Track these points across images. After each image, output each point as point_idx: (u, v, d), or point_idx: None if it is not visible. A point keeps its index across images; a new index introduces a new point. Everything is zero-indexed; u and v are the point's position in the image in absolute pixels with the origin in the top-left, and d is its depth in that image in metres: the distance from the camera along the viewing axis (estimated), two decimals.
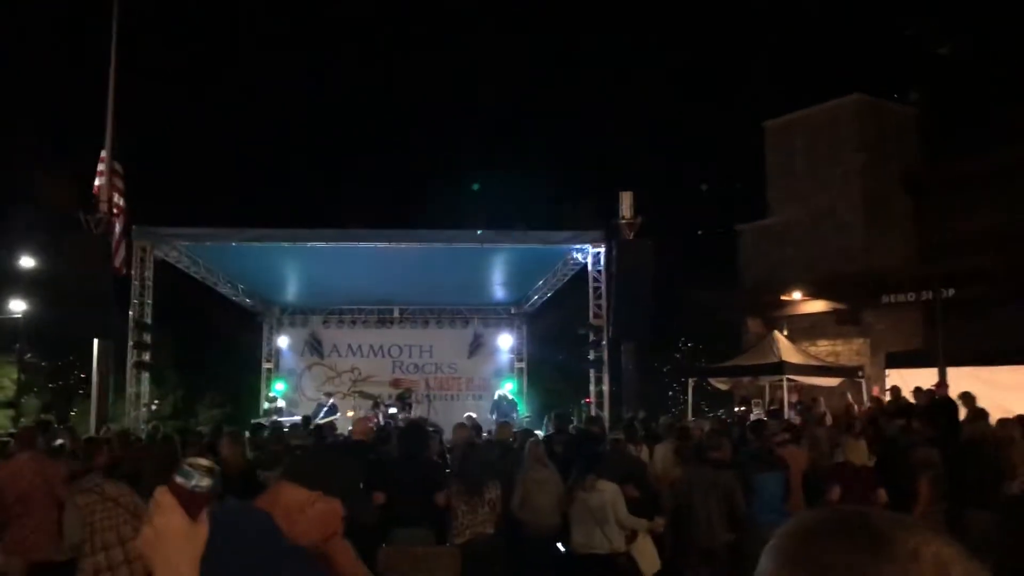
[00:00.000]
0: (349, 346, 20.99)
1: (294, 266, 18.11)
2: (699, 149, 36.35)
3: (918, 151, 20.68)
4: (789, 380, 17.26)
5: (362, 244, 15.68)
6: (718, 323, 24.70)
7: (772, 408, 16.82)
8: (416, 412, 17.96)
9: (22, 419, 21.47)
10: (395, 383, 19.92)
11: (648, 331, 15.11)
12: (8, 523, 6.82)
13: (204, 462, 1.52)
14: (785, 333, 19.14)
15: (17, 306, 21.88)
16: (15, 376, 21.94)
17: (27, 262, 22.25)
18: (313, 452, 2.45)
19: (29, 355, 23.13)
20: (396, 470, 7.03)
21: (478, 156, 44.10)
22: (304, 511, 1.97)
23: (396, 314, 21.35)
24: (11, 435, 11.52)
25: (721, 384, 20.25)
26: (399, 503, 6.86)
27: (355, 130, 46.61)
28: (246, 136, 42.13)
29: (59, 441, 10.65)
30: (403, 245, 15.85)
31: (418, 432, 7.61)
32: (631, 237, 14.77)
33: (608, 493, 6.60)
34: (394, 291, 19.88)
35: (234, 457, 7.45)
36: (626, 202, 15.11)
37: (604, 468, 6.97)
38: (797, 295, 20.32)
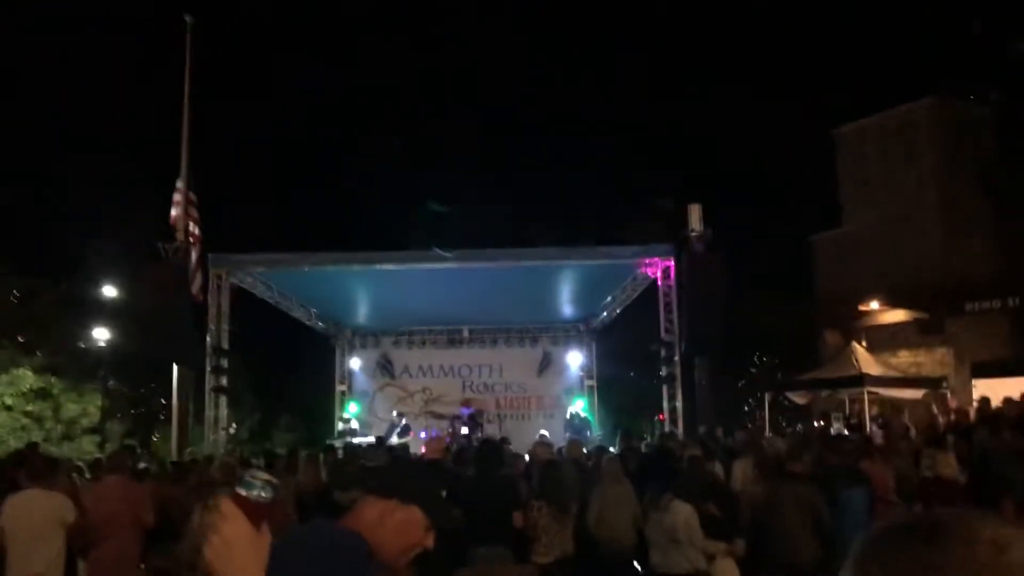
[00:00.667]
0: (420, 367, 21.12)
1: (364, 289, 18.33)
2: (769, 158, 35.66)
3: (996, 152, 20.00)
4: (870, 393, 16.79)
5: (430, 265, 15.79)
6: (793, 336, 24.16)
7: (852, 422, 16.37)
8: (488, 431, 17.97)
9: (107, 444, 22.16)
10: (466, 403, 19.93)
11: (721, 345, 14.86)
12: (92, 545, 6.99)
13: (264, 475, 1.54)
14: (864, 344, 18.64)
15: (101, 335, 22.63)
16: (99, 403, 22.65)
17: (109, 292, 23.00)
18: (388, 465, 2.48)
19: (112, 382, 23.87)
20: (473, 488, 7.00)
21: (541, 172, 43.98)
22: (384, 522, 1.96)
23: (465, 334, 21.39)
24: (97, 459, 11.90)
25: (799, 398, 19.80)
26: (476, 522, 6.83)
27: (418, 151, 47.18)
28: (315, 160, 42.98)
29: (142, 465, 10.98)
30: (471, 265, 15.90)
31: (495, 450, 7.58)
32: (701, 250, 14.56)
33: (682, 515, 6.46)
34: (463, 311, 19.96)
35: (311, 478, 7.52)
36: (695, 214, 14.93)
37: (681, 486, 6.81)
38: (875, 305, 19.79)
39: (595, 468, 9.37)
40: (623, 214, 31.52)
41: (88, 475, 9.77)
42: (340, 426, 19.24)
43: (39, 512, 6.38)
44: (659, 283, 15.85)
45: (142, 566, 7.10)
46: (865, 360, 17.44)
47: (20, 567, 6.21)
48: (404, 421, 18.18)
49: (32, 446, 11.15)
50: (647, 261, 15.83)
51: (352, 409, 20.16)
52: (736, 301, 15.44)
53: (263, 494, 1.49)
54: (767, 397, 21.05)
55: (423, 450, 10.30)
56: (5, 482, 7.60)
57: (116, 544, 6.95)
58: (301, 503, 7.71)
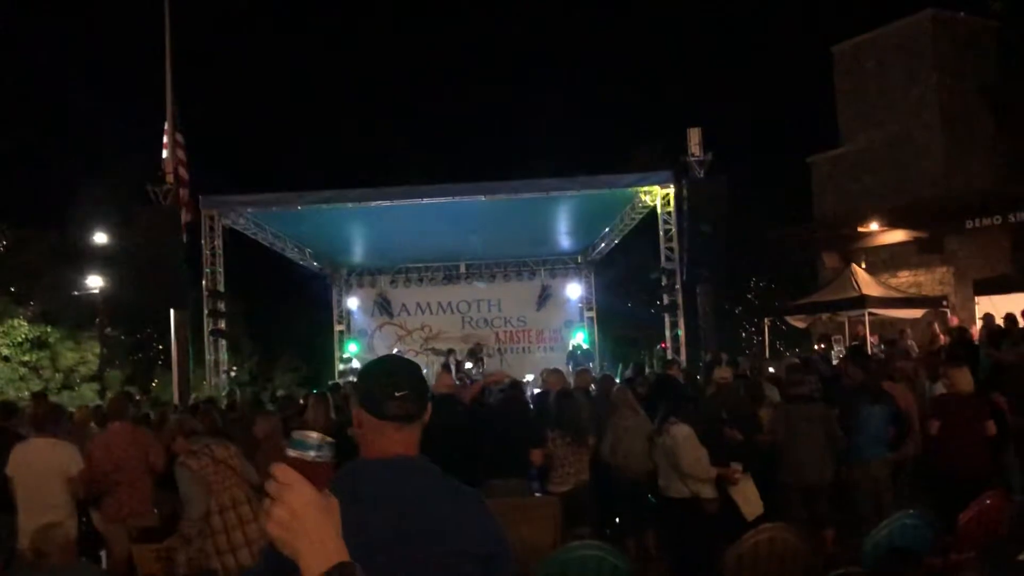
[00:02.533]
0: (418, 304, 21.02)
1: (359, 227, 18.07)
2: (765, 79, 35.00)
3: (999, 66, 19.58)
4: (870, 314, 16.77)
5: (426, 200, 15.52)
6: (792, 260, 24.04)
7: (854, 344, 16.36)
8: (488, 366, 17.95)
9: (107, 392, 22.15)
10: (465, 339, 19.90)
11: (724, 272, 14.72)
12: (106, 492, 6.91)
13: (315, 433, 1.37)
14: (863, 266, 18.56)
15: (94, 282, 22.42)
16: (97, 350, 22.56)
17: (101, 238, 22.72)
18: None
19: (109, 329, 23.76)
20: (493, 423, 6.94)
21: (536, 101, 43.27)
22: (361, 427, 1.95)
23: (463, 270, 21.24)
24: (98, 407, 11.80)
25: (798, 322, 19.81)
26: (494, 455, 6.77)
27: (408, 82, 46.29)
28: (302, 97, 42.26)
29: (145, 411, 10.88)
30: (466, 199, 15.62)
31: (518, 387, 7.51)
32: (702, 175, 14.31)
33: (675, 438, 6.36)
34: (459, 247, 19.75)
35: (321, 417, 7.42)
36: (694, 139, 14.63)
37: (684, 409, 6.68)
38: (875, 226, 19.60)
39: (602, 397, 9.32)
40: (620, 142, 31.02)
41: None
42: (341, 366, 19.18)
43: (44, 462, 6.29)
44: (659, 210, 15.62)
45: (155, 511, 7.04)
46: (865, 281, 17.37)
47: (29, 516, 6.13)
48: None
49: (38, 395, 11.03)
50: (646, 189, 15.57)
51: (352, 349, 20.11)
52: (734, 226, 15.21)
53: (322, 453, 1.33)
54: (766, 322, 21.06)
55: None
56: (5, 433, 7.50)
57: (127, 490, 6.87)
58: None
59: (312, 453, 1.31)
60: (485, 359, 18.18)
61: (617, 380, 11.07)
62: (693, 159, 14.43)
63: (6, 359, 20.53)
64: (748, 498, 6.07)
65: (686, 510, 6.05)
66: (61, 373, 21.52)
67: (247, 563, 5.22)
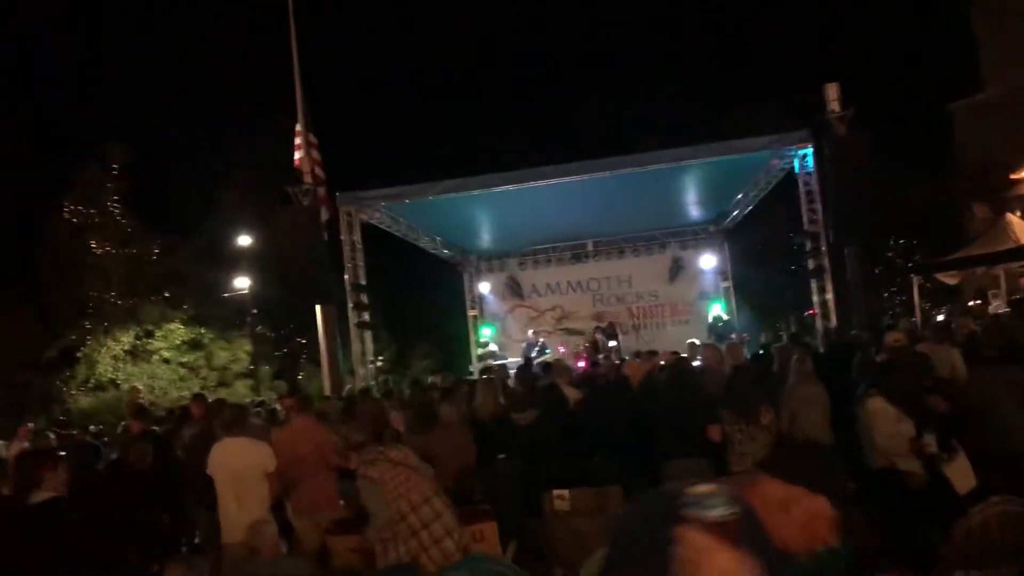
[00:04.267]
0: (547, 285, 21.01)
1: (487, 212, 18.17)
2: (897, 24, 32.85)
3: None
4: None
5: (551, 181, 15.42)
6: (934, 214, 22.78)
7: (1016, 297, 15.38)
8: (624, 343, 17.79)
9: (260, 387, 23.18)
10: (598, 317, 19.76)
11: (872, 232, 14.02)
12: (292, 487, 7.16)
13: (708, 488, 1.25)
14: (1019, 215, 17.46)
15: (242, 283, 23.44)
16: (248, 348, 23.61)
17: (245, 240, 23.70)
18: (793, 446, 2.12)
19: (259, 327, 24.81)
20: (668, 403, 6.82)
21: (657, 68, 42.00)
22: (788, 510, 1.66)
23: (590, 247, 21.07)
24: (260, 404, 12.31)
25: (949, 279, 18.80)
26: (669, 434, 6.66)
27: (522, 62, 46.06)
28: (422, 86, 42.71)
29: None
30: (592, 176, 15.41)
31: (683, 363, 7.36)
32: (843, 131, 13.65)
33: (868, 410, 6.07)
34: (585, 224, 19.58)
35: (490, 402, 7.48)
36: (832, 94, 13.93)
37: (884, 379, 6.38)
38: None
39: (763, 370, 9.05)
40: (752, 103, 29.85)
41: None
42: (480, 350, 19.38)
43: (243, 461, 6.55)
44: (797, 172, 15.02)
45: (342, 502, 7.25)
46: (1023, 231, 16.35)
47: (232, 513, 6.41)
48: (541, 340, 18.21)
49: (199, 396, 11.57)
50: (783, 150, 14.98)
51: (486, 333, 20.32)
52: (878, 182, 14.44)
53: (729, 511, 1.23)
54: (915, 280, 20.04)
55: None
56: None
57: (312, 484, 7.10)
58: (479, 426, 7.71)
59: (719, 512, 1.22)
60: (620, 336, 18.01)
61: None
62: (833, 116, 13.78)
63: (167, 361, 21.71)
64: (960, 471, 5.73)
65: (887, 482, 5.78)
66: (216, 372, 22.61)
67: (452, 552, 5.27)
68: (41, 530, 4.14)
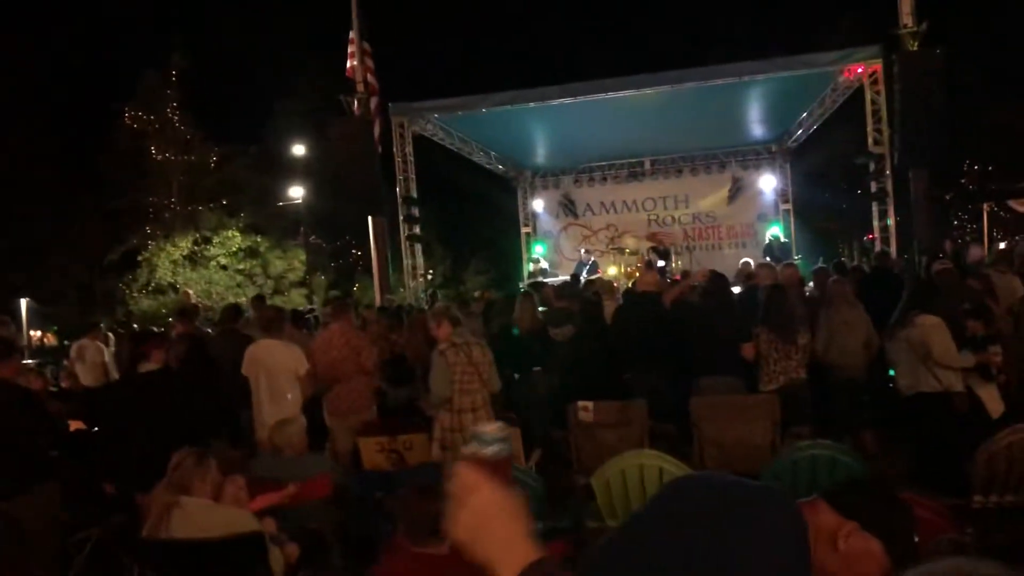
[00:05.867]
0: (602, 203, 20.71)
1: (542, 127, 17.84)
2: None
3: None
4: None
5: (610, 95, 15.03)
6: (1010, 138, 21.66)
7: None
8: (678, 264, 17.54)
9: (314, 296, 23.61)
10: (652, 237, 19.46)
11: (941, 156, 13.39)
12: (326, 389, 7.30)
13: (493, 426, 1.26)
14: None
15: (296, 192, 23.65)
16: (303, 258, 23.99)
17: (299, 150, 23.81)
18: (860, 480, 1.97)
19: (313, 237, 25.14)
20: (702, 319, 6.70)
21: None
22: (834, 542, 1.56)
23: (647, 166, 20.63)
24: (311, 311, 12.50)
25: (1022, 206, 18.03)
26: (702, 351, 6.56)
27: None
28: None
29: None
30: (652, 91, 14.95)
31: (723, 282, 7.20)
32: (915, 48, 12.95)
33: (924, 327, 5.85)
34: (644, 142, 19.11)
35: (529, 316, 7.46)
36: (905, 7, 13.20)
37: (932, 302, 6.15)
38: None
39: (816, 292, 8.85)
40: (821, 16, 28.34)
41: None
42: (531, 267, 19.36)
43: (276, 362, 6.68)
44: (866, 89, 14.35)
45: (375, 408, 7.38)
46: None
47: (265, 412, 6.56)
48: (592, 259, 18.07)
49: (258, 298, 11.82)
50: (852, 66, 14.29)
51: (538, 250, 20.23)
52: (951, 103, 13.72)
53: (502, 449, 1.24)
54: (985, 208, 19.24)
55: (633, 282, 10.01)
56: (231, 333, 8.05)
57: (347, 387, 7.23)
58: (519, 339, 7.73)
59: (491, 449, 1.24)
60: (672, 256, 17.74)
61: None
62: (906, 30, 13.06)
63: (224, 268, 22.20)
64: (994, 395, 5.56)
65: (934, 405, 5.62)
66: (272, 280, 23.07)
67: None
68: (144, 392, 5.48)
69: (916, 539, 1.62)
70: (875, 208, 14.57)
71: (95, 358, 9.97)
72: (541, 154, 20.62)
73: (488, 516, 1.17)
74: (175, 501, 3.30)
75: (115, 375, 9.76)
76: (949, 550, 2.51)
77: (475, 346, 5.87)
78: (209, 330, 9.96)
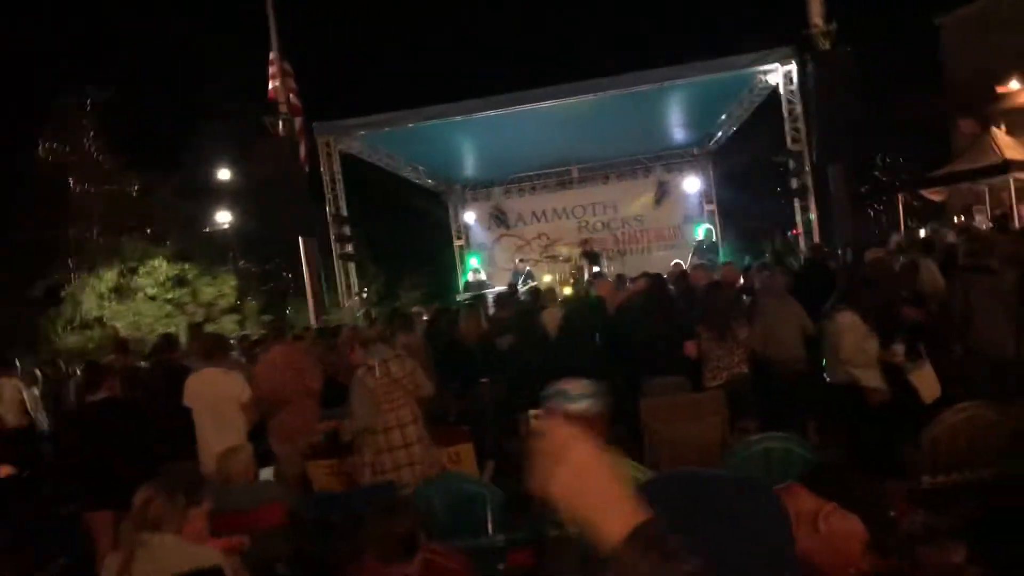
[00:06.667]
0: (533, 213, 20.88)
1: (469, 139, 17.91)
2: None
3: None
4: (1015, 180, 15.74)
5: (532, 105, 15.19)
6: (921, 130, 22.59)
7: (998, 213, 15.38)
8: (609, 268, 17.76)
9: (246, 322, 23.16)
10: (583, 243, 19.68)
11: (856, 150, 13.89)
12: (272, 414, 7.20)
13: (579, 384, 1.21)
14: (1004, 129, 17.34)
15: (223, 217, 23.20)
16: (234, 283, 23.52)
17: (223, 175, 23.37)
18: (834, 463, 2.01)
19: (242, 262, 24.68)
20: (644, 321, 6.82)
21: None
22: (815, 525, 1.59)
23: (575, 174, 20.90)
24: (243, 338, 12.30)
25: (935, 195, 18.79)
26: (650, 353, 6.68)
27: None
28: (401, 14, 41.63)
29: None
30: (574, 100, 15.15)
31: (663, 285, 7.34)
32: (827, 47, 13.43)
33: (838, 324, 6.08)
34: (569, 150, 19.36)
35: (474, 328, 7.48)
36: (815, 9, 13.69)
37: (852, 293, 6.38)
38: (1015, 84, 18.19)
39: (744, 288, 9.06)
40: (735, 20, 29.08)
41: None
42: (470, 277, 19.39)
43: (218, 391, 6.55)
44: (781, 90, 14.80)
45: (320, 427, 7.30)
46: (1007, 145, 16.29)
47: (210, 443, 6.43)
48: (527, 268, 18.18)
49: (196, 327, 11.57)
50: (766, 68, 14.73)
51: (473, 263, 20.27)
52: (863, 99, 14.26)
53: (592, 404, 1.18)
54: (899, 198, 20.01)
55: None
56: (167, 364, 7.87)
57: (291, 410, 7.15)
58: (464, 350, 7.75)
59: (580, 404, 1.18)
60: (605, 262, 17.97)
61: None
62: (816, 31, 13.54)
63: (152, 298, 21.64)
64: (926, 380, 5.79)
65: (847, 396, 5.83)
66: (202, 307, 22.54)
67: (409, 481, 5.35)
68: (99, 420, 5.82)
69: (892, 514, 1.69)
70: (796, 204, 15.04)
71: (13, 395, 9.61)
72: (470, 167, 20.70)
73: (590, 473, 1.10)
74: (140, 540, 3.22)
75: (39, 414, 9.48)
76: (923, 532, 2.62)
77: (392, 361, 5.74)
78: (142, 363, 9.70)
